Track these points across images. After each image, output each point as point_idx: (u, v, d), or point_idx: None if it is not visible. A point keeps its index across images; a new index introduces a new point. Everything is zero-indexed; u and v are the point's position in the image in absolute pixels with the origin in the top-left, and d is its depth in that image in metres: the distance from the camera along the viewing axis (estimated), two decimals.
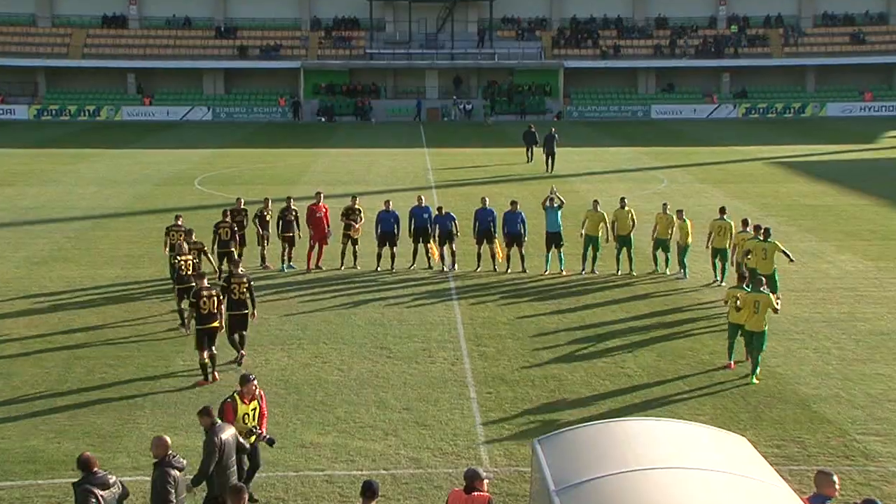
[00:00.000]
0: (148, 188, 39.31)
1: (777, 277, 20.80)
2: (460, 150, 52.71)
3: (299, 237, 25.08)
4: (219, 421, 11.33)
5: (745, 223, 22.57)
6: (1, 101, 72.61)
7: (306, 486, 12.80)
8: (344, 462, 13.63)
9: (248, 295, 17.73)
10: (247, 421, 11.94)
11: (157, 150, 53.07)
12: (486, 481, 9.76)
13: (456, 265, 24.84)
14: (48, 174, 43.34)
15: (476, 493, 9.63)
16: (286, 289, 23.22)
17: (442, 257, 24.90)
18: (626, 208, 24.48)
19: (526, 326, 20.10)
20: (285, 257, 24.99)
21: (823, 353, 18.46)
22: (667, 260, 24.21)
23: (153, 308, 21.44)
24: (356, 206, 25.27)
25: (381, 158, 49.15)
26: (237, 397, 12.00)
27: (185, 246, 20.49)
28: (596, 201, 24.98)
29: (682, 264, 23.88)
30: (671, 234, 23.91)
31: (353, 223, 24.96)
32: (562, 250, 24.57)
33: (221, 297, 17.17)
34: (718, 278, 23.23)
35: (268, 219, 24.81)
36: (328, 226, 25.10)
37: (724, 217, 23.06)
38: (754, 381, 16.67)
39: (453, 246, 24.76)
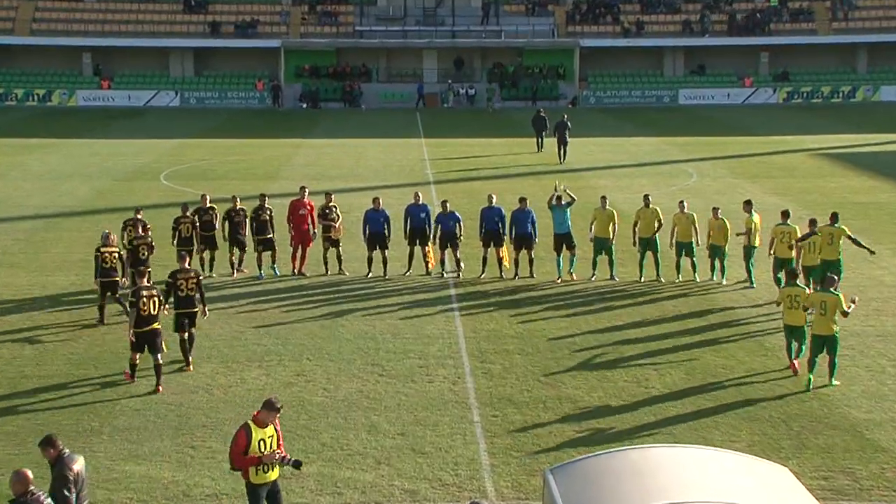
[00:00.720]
0: (107, 183, 39.32)
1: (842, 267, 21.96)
2: (462, 141, 52.70)
3: (273, 238, 25.06)
4: (66, 451, 11.14)
5: (784, 215, 22.98)
6: None
7: None
8: (330, 494, 13.62)
9: (196, 291, 18.51)
10: (263, 448, 11.74)
11: (117, 141, 53.04)
12: None
13: (461, 272, 24.85)
14: None
15: None
16: (264, 298, 23.22)
17: (442, 262, 24.88)
18: (651, 207, 24.50)
19: (536, 340, 20.10)
20: (263, 261, 24.96)
21: (877, 371, 18.45)
22: (693, 265, 24.22)
23: (112, 320, 21.42)
24: (332, 204, 25.29)
25: (373, 150, 49.14)
26: (251, 423, 11.78)
27: (114, 237, 21.49)
28: (604, 198, 24.97)
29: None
30: (695, 237, 23.93)
31: (333, 224, 24.99)
32: (574, 252, 24.59)
33: (163, 299, 17.90)
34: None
35: (236, 220, 24.76)
36: (314, 226, 25.15)
37: (788, 222, 23.01)
38: (834, 382, 17.51)
39: (457, 253, 24.76)
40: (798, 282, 18.45)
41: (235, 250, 24.99)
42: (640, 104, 72.73)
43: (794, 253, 22.19)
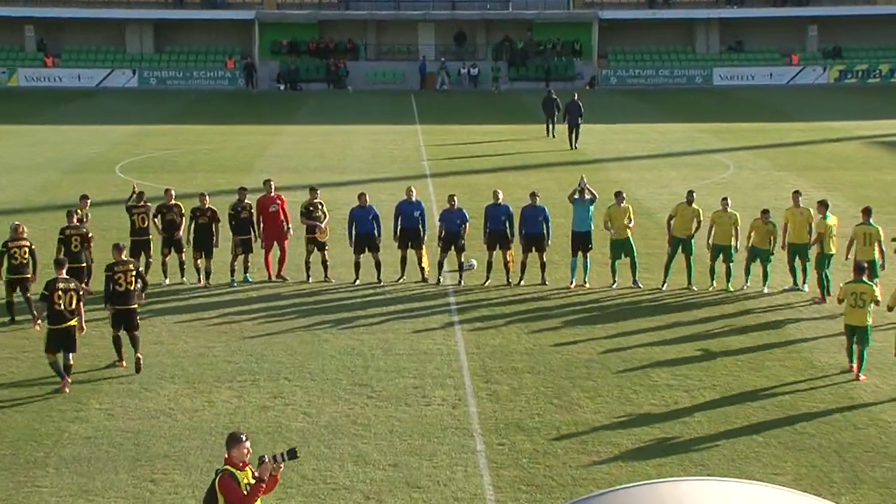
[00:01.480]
0: (54, 176, 39.30)
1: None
2: (464, 128, 52.71)
3: (256, 239, 25.05)
4: None
5: (866, 213, 23.13)
6: None
7: None
8: None
9: (135, 284, 19.36)
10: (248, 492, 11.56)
11: (65, 127, 52.99)
12: None
13: (464, 276, 24.89)
14: None
15: None
16: (236, 308, 23.22)
17: (440, 265, 24.87)
18: (694, 206, 24.44)
19: (549, 357, 20.10)
20: (237, 266, 24.92)
21: None
22: (728, 272, 24.19)
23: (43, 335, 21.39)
24: (317, 201, 25.26)
25: (361, 139, 49.13)
26: (232, 469, 11.51)
27: (23, 229, 22.10)
28: (620, 193, 24.94)
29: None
30: (735, 240, 23.90)
31: (318, 223, 24.95)
32: (589, 255, 24.62)
33: (82, 295, 18.80)
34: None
35: (201, 222, 24.65)
36: (288, 223, 25.14)
37: (871, 222, 22.98)
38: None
39: (461, 258, 24.77)
40: (864, 278, 19.03)
41: (202, 256, 24.77)
42: (669, 85, 72.77)
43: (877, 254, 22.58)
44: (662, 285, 24.45)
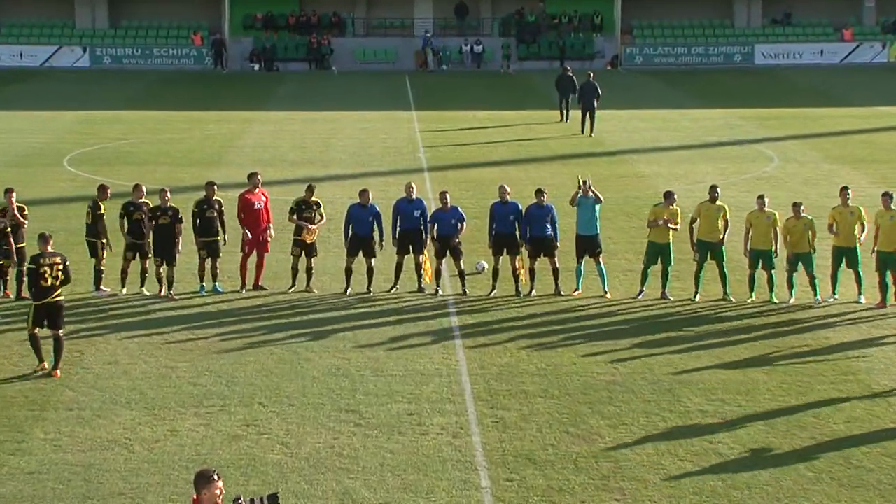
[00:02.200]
0: None
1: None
2: (466, 115, 52.75)
3: (224, 242, 25.08)
4: None
5: (887, 197, 23.76)
6: None
7: None
8: None
9: (62, 279, 20.23)
10: None
11: (5, 113, 53.08)
12: None
13: (466, 288, 24.92)
14: None
15: None
16: (204, 322, 23.23)
17: (437, 272, 24.89)
18: (718, 203, 24.50)
19: (564, 379, 20.11)
20: (204, 273, 24.96)
21: None
22: (770, 281, 24.23)
23: None
24: (313, 200, 25.29)
25: (347, 127, 49.20)
26: None
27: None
28: (670, 193, 24.98)
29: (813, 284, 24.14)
30: (775, 243, 23.97)
31: (309, 223, 24.95)
32: (601, 260, 24.66)
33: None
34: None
35: (162, 222, 24.64)
36: (270, 224, 25.15)
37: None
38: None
39: (460, 262, 24.79)
40: None
41: (163, 264, 24.75)
42: (703, 65, 72.84)
43: None
44: (695, 296, 24.47)
